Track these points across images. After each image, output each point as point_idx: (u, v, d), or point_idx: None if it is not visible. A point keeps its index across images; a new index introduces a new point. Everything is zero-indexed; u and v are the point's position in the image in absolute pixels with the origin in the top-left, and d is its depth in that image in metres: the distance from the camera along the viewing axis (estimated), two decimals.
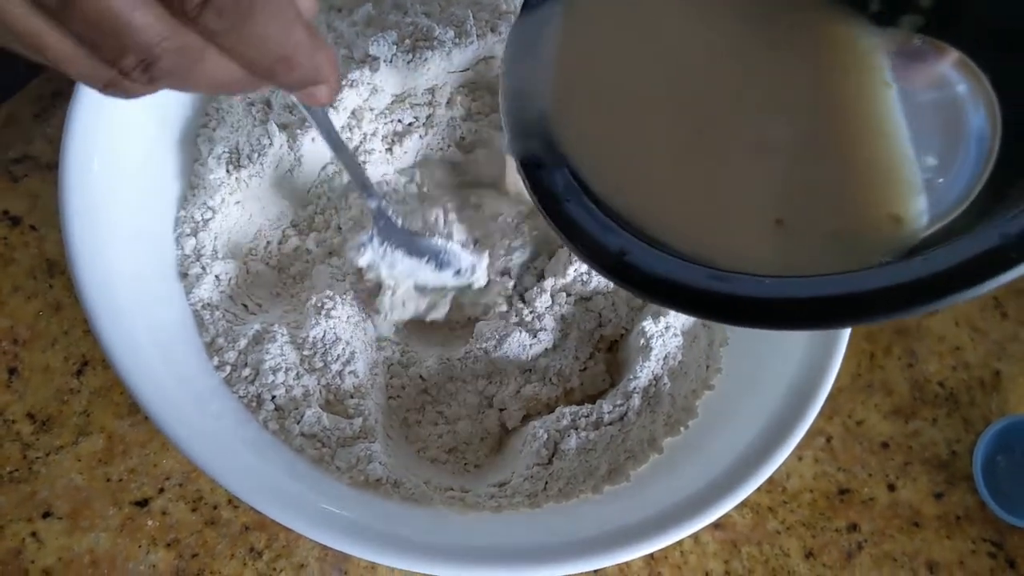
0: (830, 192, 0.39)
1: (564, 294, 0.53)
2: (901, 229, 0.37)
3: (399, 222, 0.54)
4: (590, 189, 0.40)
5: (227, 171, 0.52)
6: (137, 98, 0.34)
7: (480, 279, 0.55)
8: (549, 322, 0.53)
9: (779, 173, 0.40)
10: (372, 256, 0.53)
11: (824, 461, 0.61)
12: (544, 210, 0.40)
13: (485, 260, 0.55)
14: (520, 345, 0.52)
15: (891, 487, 0.61)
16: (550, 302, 0.53)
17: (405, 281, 0.54)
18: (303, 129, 0.54)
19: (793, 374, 0.51)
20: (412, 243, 0.54)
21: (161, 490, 0.54)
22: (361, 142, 0.56)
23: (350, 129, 0.56)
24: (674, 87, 0.43)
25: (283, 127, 0.54)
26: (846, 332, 0.51)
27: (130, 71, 0.31)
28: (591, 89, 0.43)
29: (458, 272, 0.54)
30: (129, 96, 0.34)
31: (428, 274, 0.54)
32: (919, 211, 0.37)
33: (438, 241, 0.54)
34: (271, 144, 0.53)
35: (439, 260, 0.54)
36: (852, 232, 0.37)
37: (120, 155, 0.51)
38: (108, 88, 0.33)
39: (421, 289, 0.55)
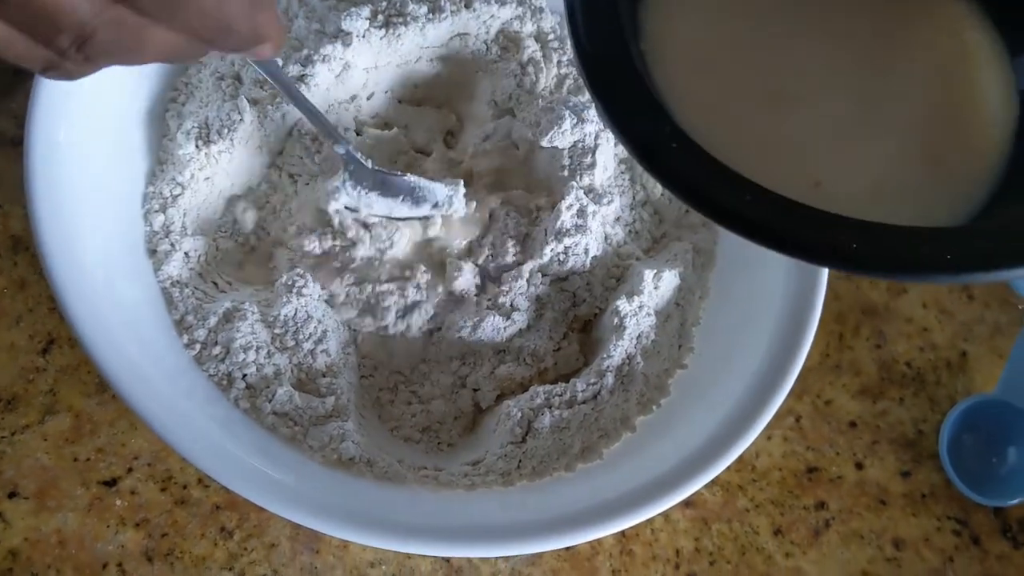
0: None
1: (540, 275, 0.53)
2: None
3: (369, 163, 0.53)
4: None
5: (196, 146, 0.51)
6: (80, 78, 0.34)
7: (459, 208, 0.54)
8: (523, 303, 0.53)
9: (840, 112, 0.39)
10: (346, 199, 0.52)
11: (793, 440, 0.62)
12: (646, 161, 0.35)
13: (461, 189, 0.54)
14: (494, 328, 0.52)
15: (859, 466, 0.62)
16: (525, 286, 0.53)
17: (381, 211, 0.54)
18: (274, 104, 0.53)
19: (764, 355, 0.52)
20: (386, 182, 0.53)
21: (130, 470, 0.54)
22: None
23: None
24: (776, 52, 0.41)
25: (254, 102, 0.53)
26: (817, 312, 0.52)
27: (65, 50, 0.31)
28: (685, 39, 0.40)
29: (435, 205, 0.54)
30: (72, 77, 0.33)
31: (405, 211, 0.54)
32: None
33: (411, 177, 0.54)
34: (241, 120, 0.52)
35: (415, 196, 0.53)
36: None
37: (87, 130, 0.50)
38: (48, 71, 0.32)
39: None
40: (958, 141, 0.39)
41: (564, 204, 0.53)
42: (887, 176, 0.38)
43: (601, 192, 0.54)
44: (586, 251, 0.53)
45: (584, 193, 0.53)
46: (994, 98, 0.39)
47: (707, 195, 0.34)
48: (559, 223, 0.52)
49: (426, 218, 0.54)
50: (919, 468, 0.62)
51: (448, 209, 0.54)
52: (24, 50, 0.31)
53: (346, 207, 0.53)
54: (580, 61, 0.35)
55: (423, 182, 0.54)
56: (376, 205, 0.53)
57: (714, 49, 0.40)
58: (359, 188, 0.52)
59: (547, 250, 0.52)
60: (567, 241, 0.52)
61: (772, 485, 0.60)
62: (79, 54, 0.31)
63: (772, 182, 0.36)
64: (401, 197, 0.53)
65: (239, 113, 0.52)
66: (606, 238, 0.55)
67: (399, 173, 0.54)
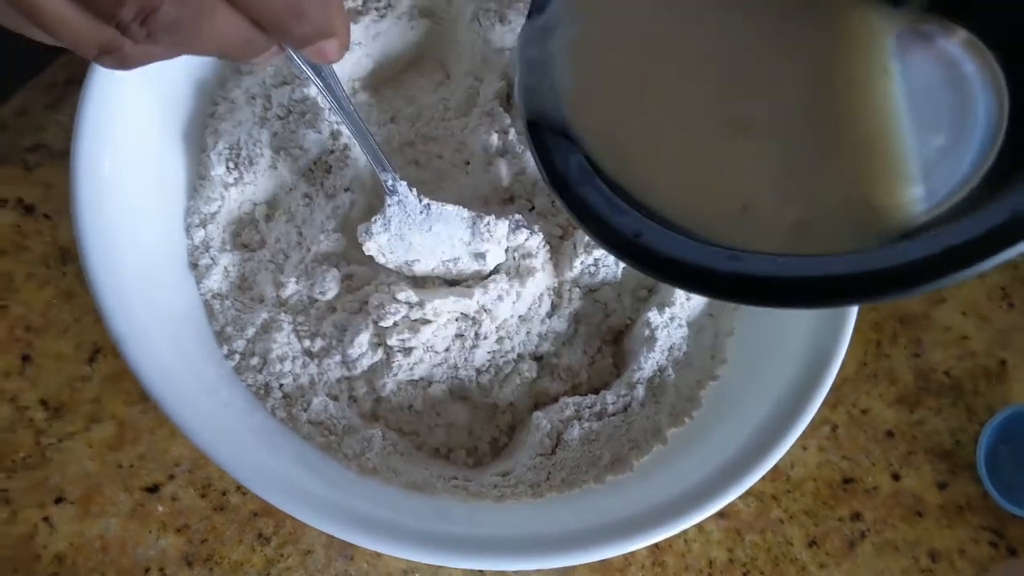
0: (820, 174, 0.39)
1: (576, 289, 0.54)
2: (892, 215, 0.37)
3: (413, 193, 0.51)
4: (602, 171, 0.40)
5: (227, 168, 0.53)
6: (134, 67, 0.32)
7: (532, 249, 0.52)
8: (561, 324, 0.53)
9: (769, 156, 0.40)
10: (386, 238, 0.50)
11: (828, 450, 0.61)
12: (558, 193, 0.40)
13: (536, 238, 0.52)
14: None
15: (895, 476, 0.61)
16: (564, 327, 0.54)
17: (428, 260, 0.51)
18: (287, 150, 0.53)
19: (798, 364, 0.51)
20: (439, 216, 0.51)
21: (171, 476, 0.55)
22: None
23: None
24: (685, 70, 0.42)
25: (274, 137, 0.53)
26: (851, 321, 0.51)
27: (128, 24, 0.29)
28: (605, 73, 0.43)
29: (497, 244, 0.51)
30: (127, 64, 0.32)
31: (460, 251, 0.51)
32: (914, 197, 0.37)
33: (463, 210, 0.51)
34: (261, 155, 0.53)
35: (474, 232, 0.51)
36: (837, 216, 0.38)
37: (131, 143, 0.51)
38: (104, 54, 0.31)
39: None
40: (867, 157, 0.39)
41: None
42: (812, 201, 0.39)
43: None
44: (616, 262, 0.53)
45: None
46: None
47: (600, 227, 0.38)
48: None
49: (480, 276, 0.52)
50: (956, 479, 0.62)
51: (509, 251, 0.52)
52: (82, 28, 0.30)
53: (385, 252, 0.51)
54: (519, 95, 0.40)
55: (486, 218, 0.51)
56: (421, 246, 0.51)
57: (640, 122, 0.42)
58: (400, 224, 0.51)
59: (577, 263, 0.53)
60: (596, 253, 0.53)
61: (806, 495, 0.60)
62: (141, 29, 0.29)
63: (697, 202, 0.38)
64: (453, 236, 0.51)
65: (261, 147, 0.53)
66: None
67: (449, 205, 0.51)
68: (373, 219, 0.51)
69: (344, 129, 0.54)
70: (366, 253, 0.51)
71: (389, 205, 0.51)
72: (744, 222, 0.37)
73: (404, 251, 0.51)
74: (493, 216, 0.51)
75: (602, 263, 0.53)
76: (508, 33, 0.57)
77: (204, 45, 0.31)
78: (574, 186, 0.40)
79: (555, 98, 0.43)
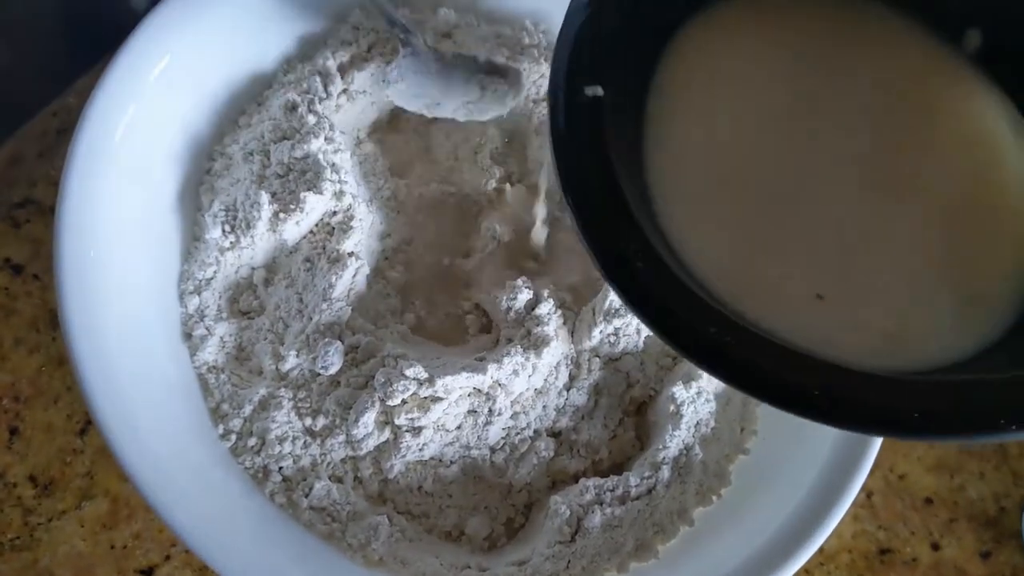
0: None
1: (595, 358, 0.50)
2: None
3: (425, 44, 0.51)
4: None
5: (223, 232, 0.49)
6: None
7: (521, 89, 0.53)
8: (580, 397, 0.50)
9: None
10: (404, 85, 0.51)
11: (864, 519, 0.58)
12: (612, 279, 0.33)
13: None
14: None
15: (935, 546, 0.58)
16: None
17: (450, 102, 0.52)
18: (287, 212, 0.49)
19: (836, 433, 0.48)
20: (452, 66, 0.52)
21: (167, 557, 0.52)
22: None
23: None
24: (776, 160, 0.38)
25: (273, 197, 0.50)
26: None
27: None
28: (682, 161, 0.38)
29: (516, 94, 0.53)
30: None
31: (473, 92, 0.52)
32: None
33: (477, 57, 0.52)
34: (259, 218, 0.49)
35: (488, 78, 0.52)
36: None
37: (122, 202, 0.48)
38: None
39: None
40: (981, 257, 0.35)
41: None
42: (896, 294, 0.35)
43: None
44: (638, 331, 0.50)
45: None
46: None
47: (669, 322, 0.31)
48: (607, 303, 0.49)
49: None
50: (1000, 548, 0.58)
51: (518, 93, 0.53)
52: None
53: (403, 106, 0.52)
54: (559, 174, 0.33)
55: (498, 60, 0.52)
56: (438, 94, 0.51)
57: (714, 152, 0.37)
58: (419, 75, 0.51)
59: (596, 332, 0.49)
60: (616, 322, 0.49)
61: (841, 568, 0.57)
62: None
63: (768, 288, 0.33)
64: (470, 80, 0.52)
65: (259, 208, 0.49)
66: None
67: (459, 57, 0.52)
68: (389, 67, 0.51)
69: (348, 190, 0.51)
70: (388, 98, 0.52)
71: (403, 55, 0.51)
72: (818, 313, 0.33)
73: (427, 95, 0.52)
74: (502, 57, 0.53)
75: (623, 332, 0.50)
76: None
77: None
78: (631, 273, 0.32)
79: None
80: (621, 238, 0.32)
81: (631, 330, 0.49)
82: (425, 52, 0.51)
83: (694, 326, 0.31)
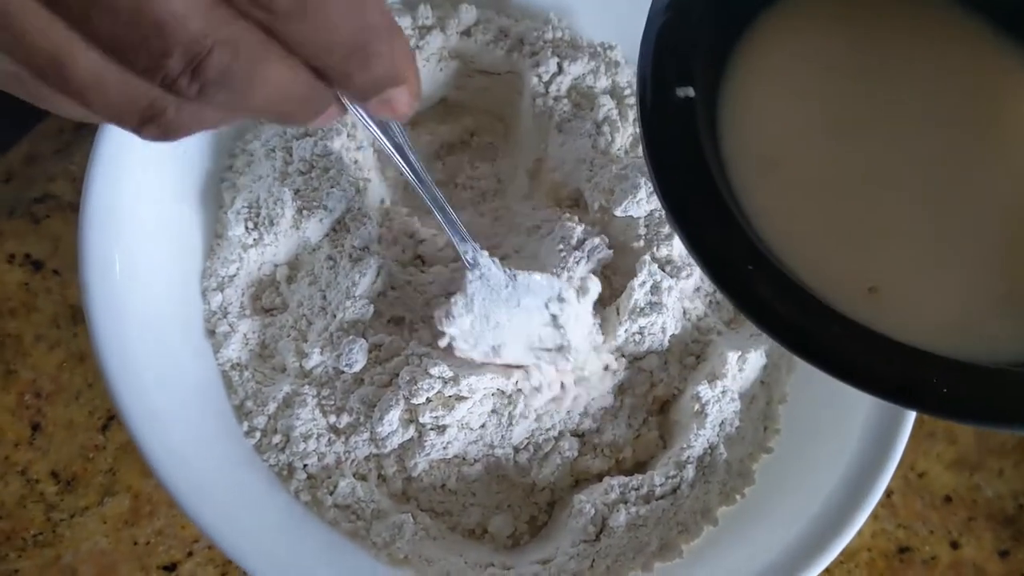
0: None
1: (620, 358, 0.50)
2: None
3: (496, 264, 0.46)
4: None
5: (246, 229, 0.49)
6: (180, 136, 0.28)
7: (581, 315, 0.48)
8: (608, 400, 0.50)
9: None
10: (468, 320, 0.45)
11: (883, 518, 0.58)
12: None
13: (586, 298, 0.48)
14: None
15: (954, 544, 0.58)
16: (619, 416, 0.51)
17: (515, 343, 0.46)
18: (311, 209, 0.49)
19: (861, 431, 0.48)
20: (520, 289, 0.46)
21: (189, 554, 0.52)
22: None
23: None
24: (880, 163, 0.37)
25: (296, 194, 0.50)
26: None
27: (176, 78, 0.25)
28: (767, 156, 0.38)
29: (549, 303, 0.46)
30: (171, 133, 0.27)
31: (542, 328, 0.46)
32: None
33: (556, 282, 0.46)
34: (282, 215, 0.49)
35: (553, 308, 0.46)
36: None
37: (144, 199, 0.48)
38: (146, 120, 0.26)
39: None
40: None
41: (637, 281, 0.49)
42: (954, 298, 0.34)
43: (680, 264, 0.51)
44: (663, 330, 0.50)
45: (660, 267, 0.50)
46: None
47: (788, 325, 0.31)
48: (632, 302, 0.49)
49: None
50: (1019, 547, 0.58)
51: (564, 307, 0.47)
52: (121, 91, 0.25)
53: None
54: (653, 171, 0.32)
55: (554, 283, 0.47)
56: (508, 326, 0.46)
57: (787, 143, 0.36)
58: (487, 304, 0.45)
59: (621, 331, 0.49)
60: (642, 321, 0.49)
61: (861, 567, 0.57)
62: (192, 83, 0.25)
63: (822, 277, 0.33)
64: (542, 311, 0.46)
65: (282, 206, 0.49)
66: (684, 313, 0.51)
67: (536, 274, 0.47)
68: (452, 299, 0.45)
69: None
70: (444, 343, 0.46)
71: (470, 281, 0.46)
72: (870, 306, 0.33)
73: (491, 335, 0.46)
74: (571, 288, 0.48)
75: (648, 331, 0.49)
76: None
77: (259, 101, 0.27)
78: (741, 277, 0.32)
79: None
80: (728, 245, 0.31)
81: (656, 328, 0.49)
82: (496, 275, 0.46)
83: (814, 329, 0.31)
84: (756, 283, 0.31)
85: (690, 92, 0.33)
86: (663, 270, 0.50)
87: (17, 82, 0.27)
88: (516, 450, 0.49)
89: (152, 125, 0.27)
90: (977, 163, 0.36)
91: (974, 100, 0.37)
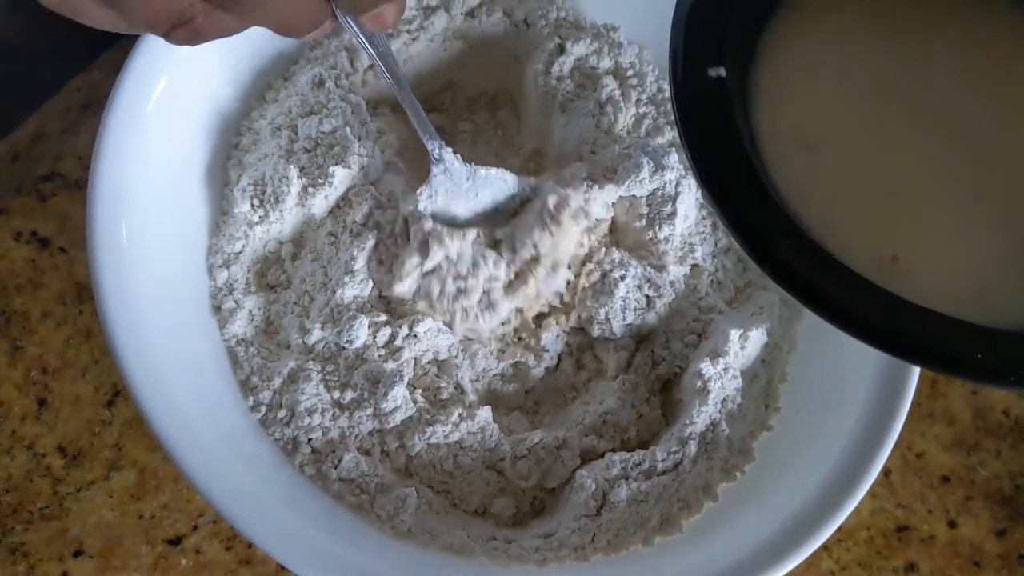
0: None
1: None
2: None
3: (458, 159, 0.50)
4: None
5: (252, 206, 0.50)
6: (205, 40, 0.32)
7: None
8: (614, 387, 0.51)
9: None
10: (429, 204, 0.50)
11: (882, 496, 0.58)
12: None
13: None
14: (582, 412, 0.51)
15: (951, 524, 0.58)
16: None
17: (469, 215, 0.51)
18: (316, 187, 0.50)
19: (859, 411, 0.49)
20: (483, 181, 0.51)
21: (195, 527, 0.53)
22: None
23: None
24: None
25: (301, 172, 0.50)
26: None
27: None
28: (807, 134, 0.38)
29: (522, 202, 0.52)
30: (197, 38, 0.32)
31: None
32: None
33: (505, 173, 0.51)
34: (288, 192, 0.49)
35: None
36: None
37: (151, 176, 0.49)
38: (177, 27, 0.31)
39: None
40: None
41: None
42: (976, 272, 0.35)
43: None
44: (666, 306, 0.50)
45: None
46: None
47: (830, 299, 0.31)
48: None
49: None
50: (1016, 526, 0.58)
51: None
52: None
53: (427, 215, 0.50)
54: (691, 153, 0.33)
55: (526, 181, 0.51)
56: (461, 209, 0.51)
57: (824, 124, 0.37)
58: (449, 195, 0.50)
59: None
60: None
61: (859, 545, 0.57)
62: None
63: (844, 245, 0.33)
64: (497, 200, 0.51)
65: (287, 183, 0.49)
66: (673, 285, 0.52)
67: (494, 169, 0.51)
68: (419, 190, 0.50)
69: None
70: (408, 213, 0.50)
71: (435, 175, 0.50)
72: (891, 275, 0.33)
73: (451, 211, 0.51)
74: (532, 178, 0.51)
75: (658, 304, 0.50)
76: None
77: (269, 11, 0.31)
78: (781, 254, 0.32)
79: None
80: (767, 222, 0.32)
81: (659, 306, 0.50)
82: (458, 169, 0.50)
83: (857, 305, 0.31)
84: (798, 260, 0.32)
85: (722, 72, 0.34)
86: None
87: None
88: (516, 458, 0.49)
89: (181, 30, 0.31)
90: (1012, 138, 0.37)
91: (1009, 76, 0.37)
